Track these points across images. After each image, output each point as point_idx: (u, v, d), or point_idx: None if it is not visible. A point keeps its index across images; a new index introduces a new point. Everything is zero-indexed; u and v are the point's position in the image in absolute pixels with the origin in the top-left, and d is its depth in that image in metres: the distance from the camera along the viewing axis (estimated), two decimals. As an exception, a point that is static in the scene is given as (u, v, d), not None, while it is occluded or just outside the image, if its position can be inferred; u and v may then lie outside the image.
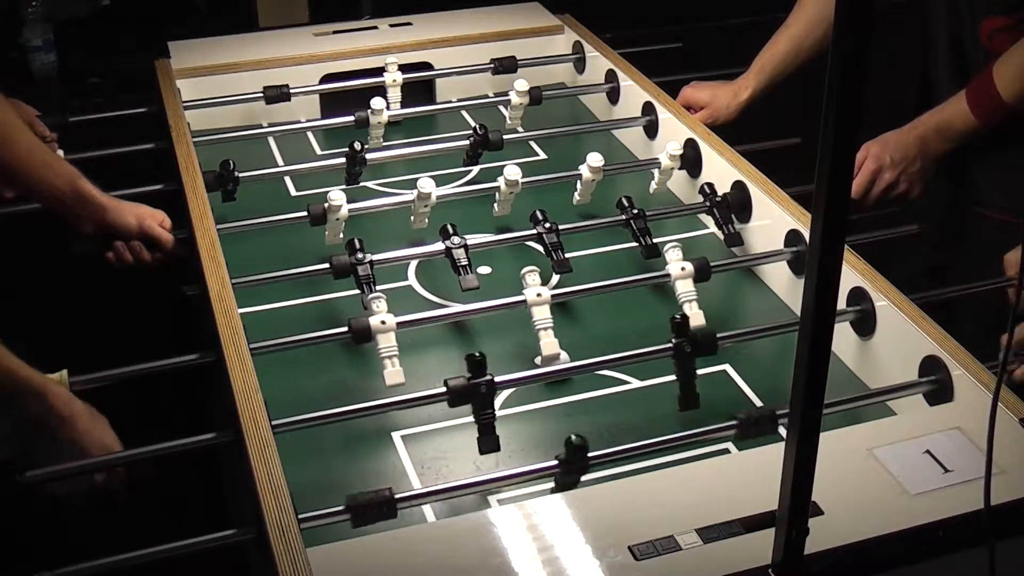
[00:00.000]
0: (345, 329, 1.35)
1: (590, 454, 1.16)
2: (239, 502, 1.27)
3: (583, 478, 1.17)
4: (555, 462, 1.15)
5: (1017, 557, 1.03)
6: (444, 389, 1.23)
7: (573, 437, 1.14)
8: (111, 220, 1.58)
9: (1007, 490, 1.06)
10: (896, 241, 1.63)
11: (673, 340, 1.29)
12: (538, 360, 1.40)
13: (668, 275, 1.46)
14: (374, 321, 1.34)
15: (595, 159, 1.69)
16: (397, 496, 1.10)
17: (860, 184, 1.70)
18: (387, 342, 1.34)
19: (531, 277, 1.40)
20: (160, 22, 2.62)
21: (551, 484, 1.17)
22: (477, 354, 1.23)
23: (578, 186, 1.72)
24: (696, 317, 1.43)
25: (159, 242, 1.61)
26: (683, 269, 1.46)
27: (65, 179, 1.54)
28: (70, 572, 1.04)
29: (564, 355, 1.40)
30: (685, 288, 1.46)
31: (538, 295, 1.40)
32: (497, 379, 1.27)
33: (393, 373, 1.34)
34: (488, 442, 1.24)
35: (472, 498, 1.17)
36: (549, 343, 1.39)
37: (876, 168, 1.70)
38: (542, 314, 1.40)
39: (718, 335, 1.33)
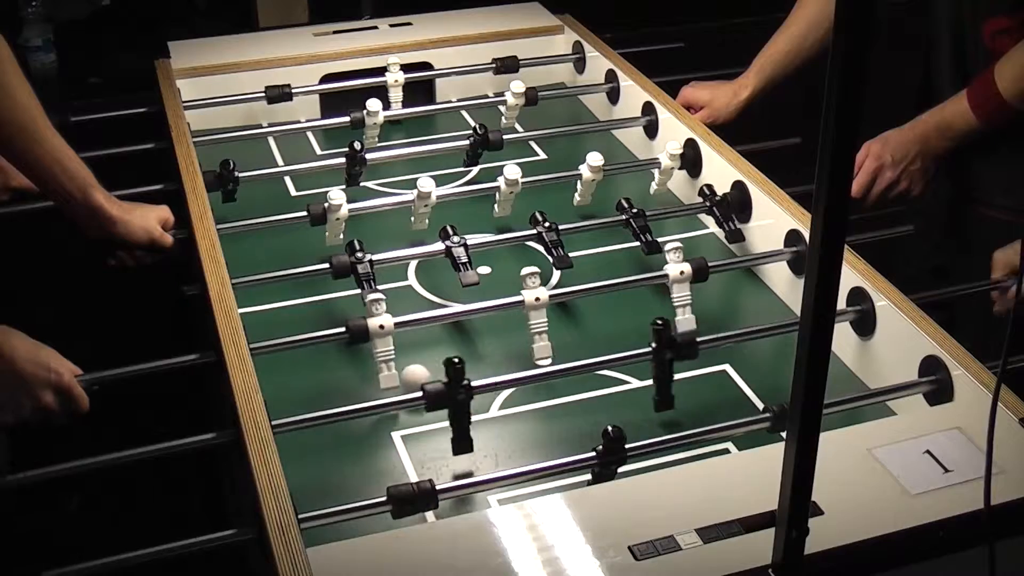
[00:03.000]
0: (344, 329, 1.35)
1: (582, 455, 1.17)
2: (239, 502, 1.27)
3: (582, 478, 1.17)
4: (592, 453, 1.16)
5: (1017, 557, 1.03)
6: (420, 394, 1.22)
7: (610, 428, 1.15)
8: (120, 233, 1.57)
9: (1007, 490, 1.06)
10: (896, 241, 1.63)
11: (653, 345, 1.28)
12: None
13: (666, 276, 1.46)
14: (372, 324, 1.33)
15: (595, 159, 1.69)
16: (439, 487, 1.11)
17: (861, 183, 1.70)
18: (384, 346, 1.33)
19: (532, 280, 1.40)
20: (160, 22, 2.63)
21: (552, 480, 1.17)
22: (456, 359, 1.22)
23: (578, 186, 1.72)
24: (687, 323, 1.43)
25: (165, 249, 1.60)
26: (681, 273, 1.45)
27: (78, 187, 1.52)
28: (70, 572, 1.04)
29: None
30: (680, 292, 1.46)
31: (536, 299, 1.39)
32: (498, 379, 1.28)
33: (388, 377, 1.33)
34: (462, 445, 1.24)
35: (472, 498, 1.16)
36: (543, 347, 1.40)
37: (877, 167, 1.70)
38: (539, 318, 1.40)
39: (718, 336, 1.33)
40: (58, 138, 1.50)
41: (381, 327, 1.33)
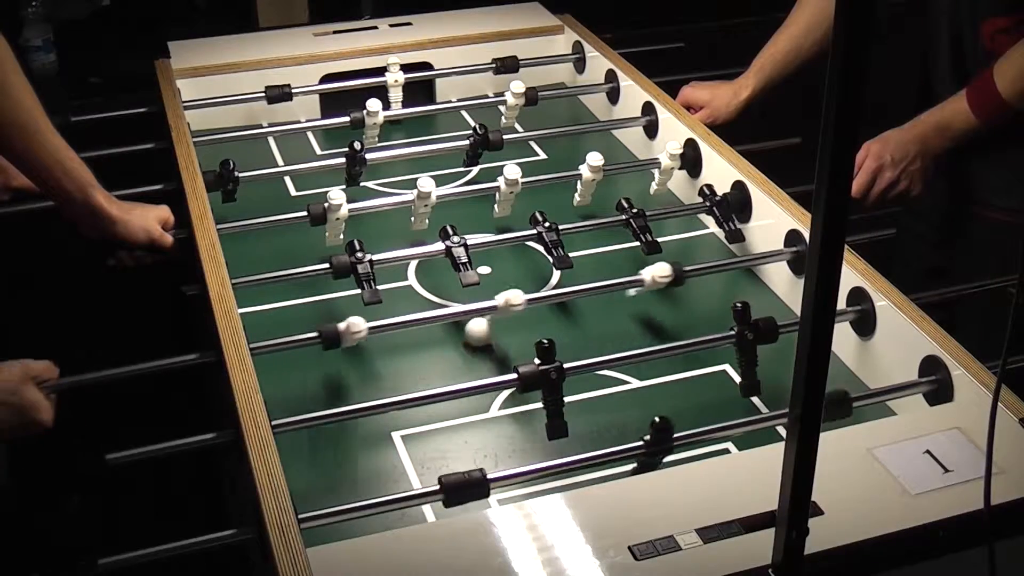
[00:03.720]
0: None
1: (586, 454, 1.16)
2: (239, 502, 1.27)
3: (589, 476, 1.17)
4: (640, 443, 1.17)
5: (1017, 557, 1.03)
6: (515, 376, 1.25)
7: (657, 419, 1.16)
8: (119, 233, 1.56)
9: (1007, 490, 1.06)
10: (896, 241, 1.63)
11: (735, 328, 1.31)
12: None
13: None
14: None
15: (595, 159, 1.69)
16: (489, 476, 1.12)
17: (860, 183, 1.70)
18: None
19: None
20: (160, 22, 2.63)
21: (555, 481, 1.17)
22: (545, 341, 1.25)
23: (578, 186, 1.72)
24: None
25: (165, 249, 1.60)
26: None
27: (78, 187, 1.52)
28: (71, 572, 1.04)
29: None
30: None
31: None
32: (497, 379, 1.28)
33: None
34: (557, 427, 1.26)
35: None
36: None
37: (876, 167, 1.70)
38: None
39: (716, 335, 1.34)
40: (58, 138, 1.50)
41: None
